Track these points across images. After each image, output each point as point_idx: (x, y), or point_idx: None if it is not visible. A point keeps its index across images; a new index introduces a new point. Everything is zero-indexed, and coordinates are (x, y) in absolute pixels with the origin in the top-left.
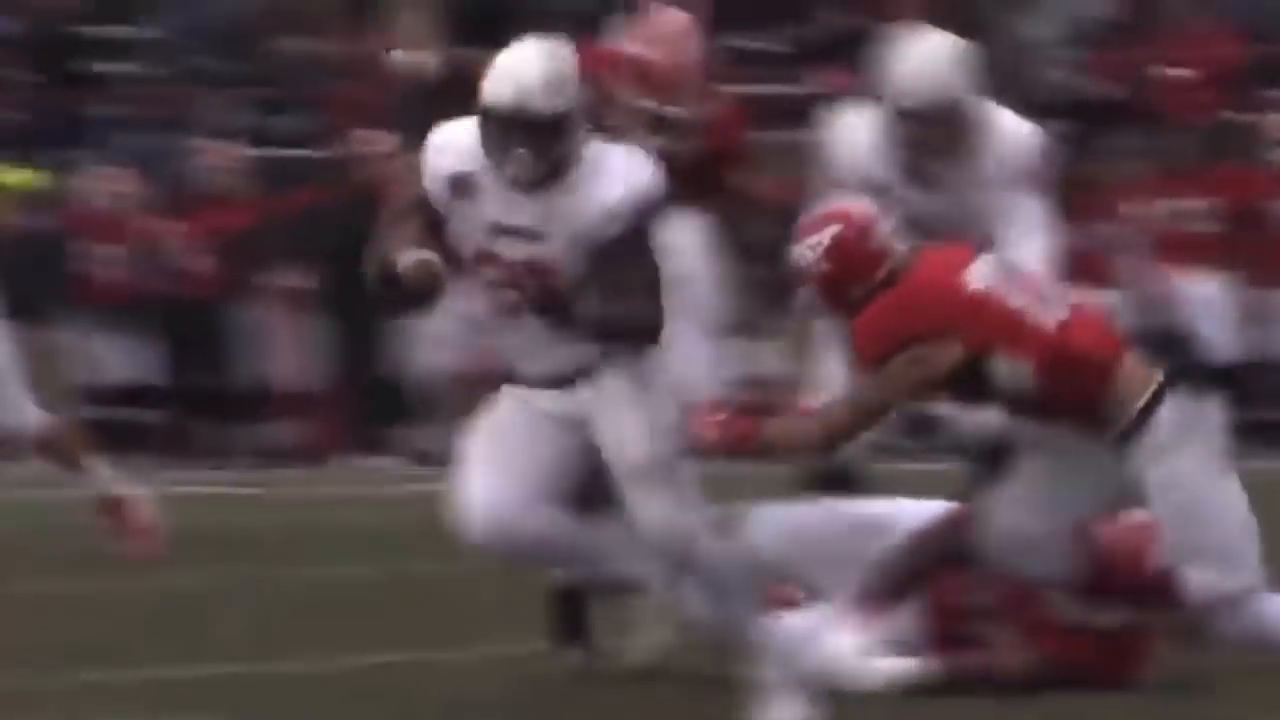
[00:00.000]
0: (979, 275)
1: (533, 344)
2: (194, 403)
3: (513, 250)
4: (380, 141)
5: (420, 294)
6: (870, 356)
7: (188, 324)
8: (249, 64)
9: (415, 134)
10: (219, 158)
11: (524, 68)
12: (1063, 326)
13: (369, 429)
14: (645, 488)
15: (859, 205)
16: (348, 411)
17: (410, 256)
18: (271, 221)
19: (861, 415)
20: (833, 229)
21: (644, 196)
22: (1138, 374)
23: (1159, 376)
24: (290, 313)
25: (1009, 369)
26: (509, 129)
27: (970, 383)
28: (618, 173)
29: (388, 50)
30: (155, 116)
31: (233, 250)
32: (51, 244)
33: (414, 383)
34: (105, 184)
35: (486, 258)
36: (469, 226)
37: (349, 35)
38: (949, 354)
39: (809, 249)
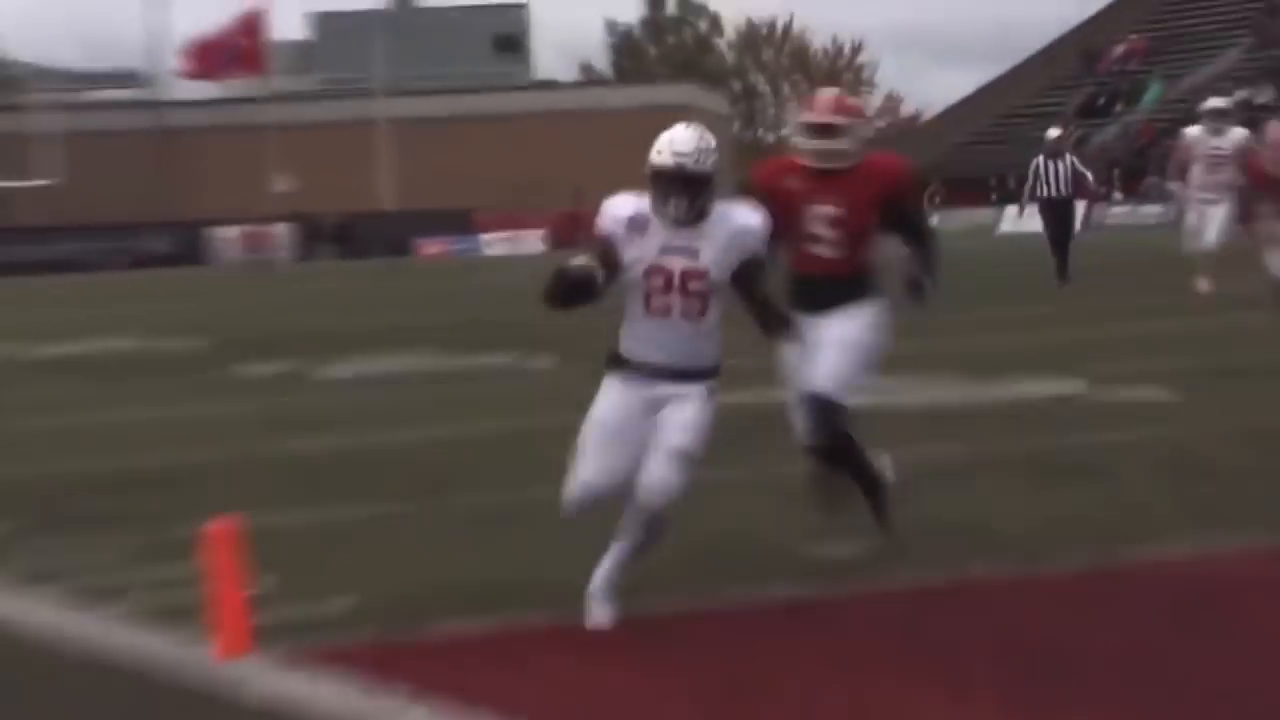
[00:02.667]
0: None
1: (668, 340)
2: None
3: (675, 263)
4: None
5: (579, 285)
6: None
7: None
8: None
9: None
10: None
11: (684, 141)
12: None
13: None
14: (669, 464)
15: None
16: None
17: (575, 260)
18: None
19: None
20: None
21: (763, 230)
22: None
23: None
24: None
25: None
26: (671, 184)
27: None
28: (745, 212)
29: None
30: None
31: None
32: None
33: None
34: None
35: (656, 269)
36: (644, 250)
37: None
38: None
39: None
